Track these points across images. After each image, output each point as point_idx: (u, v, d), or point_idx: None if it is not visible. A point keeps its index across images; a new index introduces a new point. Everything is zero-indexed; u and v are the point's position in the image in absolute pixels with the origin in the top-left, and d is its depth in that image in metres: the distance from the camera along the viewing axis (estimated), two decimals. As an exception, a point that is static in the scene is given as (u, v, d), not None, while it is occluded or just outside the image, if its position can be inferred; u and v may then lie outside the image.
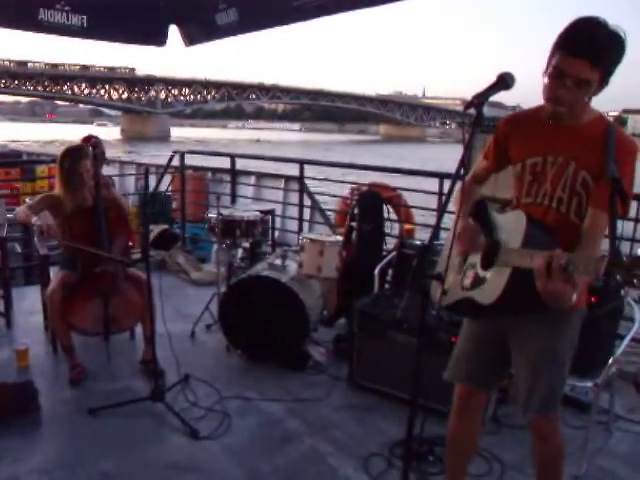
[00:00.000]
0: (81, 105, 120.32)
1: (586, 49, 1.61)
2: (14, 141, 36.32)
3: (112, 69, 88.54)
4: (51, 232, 3.24)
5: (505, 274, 1.66)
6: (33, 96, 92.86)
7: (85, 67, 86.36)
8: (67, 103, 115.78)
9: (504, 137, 1.95)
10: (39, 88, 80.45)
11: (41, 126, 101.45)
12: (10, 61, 77.54)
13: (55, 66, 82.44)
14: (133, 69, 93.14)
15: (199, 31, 3.95)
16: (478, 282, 1.80)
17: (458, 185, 1.75)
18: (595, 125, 1.77)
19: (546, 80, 1.71)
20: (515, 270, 1.63)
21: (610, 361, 2.65)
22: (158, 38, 4.01)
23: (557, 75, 1.67)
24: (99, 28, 3.85)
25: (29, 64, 79.15)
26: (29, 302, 4.45)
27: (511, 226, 1.74)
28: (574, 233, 1.77)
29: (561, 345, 1.89)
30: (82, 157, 3.40)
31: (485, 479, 2.52)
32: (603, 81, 1.68)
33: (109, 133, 65.76)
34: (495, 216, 1.85)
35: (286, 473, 2.61)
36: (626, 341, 2.72)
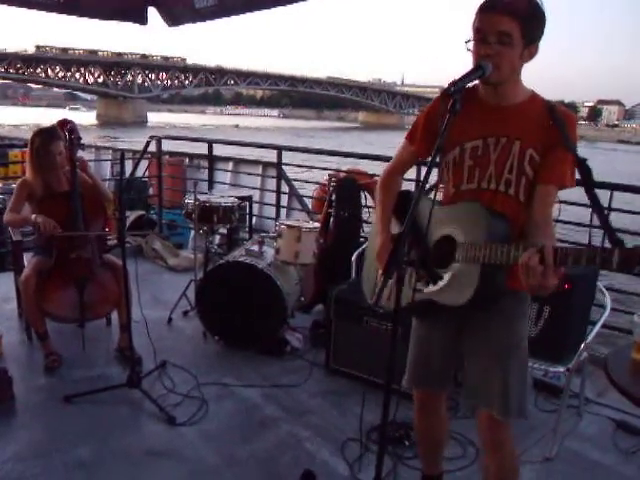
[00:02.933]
0: (55, 89, 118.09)
1: (499, 2, 1.61)
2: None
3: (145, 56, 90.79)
4: (55, 230, 3.20)
5: (475, 272, 1.60)
6: (5, 78, 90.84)
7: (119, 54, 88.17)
8: (41, 86, 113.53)
9: (439, 119, 1.72)
10: (11, 70, 78.62)
11: (13, 110, 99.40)
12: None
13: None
14: (184, 59, 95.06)
15: (179, 13, 3.86)
16: (435, 281, 1.74)
17: (434, 172, 1.71)
18: (533, 102, 1.74)
19: (471, 46, 1.67)
20: (485, 267, 1.58)
21: (582, 346, 2.71)
22: (139, 16, 3.91)
23: (479, 37, 1.64)
24: (77, 3, 3.73)
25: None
26: (2, 289, 4.37)
27: (466, 218, 1.68)
28: (523, 214, 1.73)
29: (522, 330, 1.85)
30: (54, 138, 3.32)
31: (459, 462, 2.56)
32: (526, 37, 1.62)
33: (83, 118, 64.49)
34: (435, 209, 1.72)
35: (263, 458, 2.62)
36: (597, 327, 2.78)
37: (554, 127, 1.66)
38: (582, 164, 1.64)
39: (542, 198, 1.70)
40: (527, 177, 1.72)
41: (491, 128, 1.74)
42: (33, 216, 3.22)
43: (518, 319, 1.84)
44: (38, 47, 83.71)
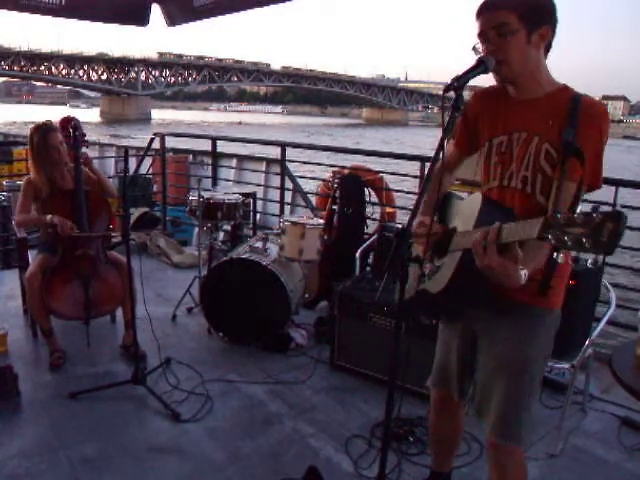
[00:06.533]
0: (59, 86, 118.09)
1: (486, 3, 1.61)
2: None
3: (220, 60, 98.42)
4: (72, 230, 3.22)
5: (456, 258, 1.56)
6: (8, 76, 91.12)
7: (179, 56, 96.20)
8: (44, 84, 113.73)
9: (474, 116, 1.82)
10: (15, 68, 78.76)
11: (16, 107, 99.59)
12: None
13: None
14: (268, 64, 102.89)
15: (178, 12, 3.86)
16: (433, 272, 1.72)
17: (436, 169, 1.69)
18: (558, 95, 1.65)
19: (481, 50, 1.64)
20: (465, 253, 1.52)
21: (587, 343, 2.70)
22: (140, 17, 3.90)
23: (482, 39, 1.62)
24: (78, 7, 3.74)
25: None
26: (7, 286, 4.40)
27: (468, 210, 1.65)
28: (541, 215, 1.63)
29: (532, 351, 1.74)
30: (51, 130, 3.32)
31: (464, 458, 2.56)
32: (525, 20, 1.57)
33: (86, 115, 64.37)
34: (456, 203, 1.78)
35: (268, 455, 2.62)
36: (602, 323, 2.77)
37: (568, 122, 1.57)
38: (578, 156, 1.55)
39: (554, 193, 1.59)
40: (544, 174, 1.63)
41: (515, 123, 1.70)
42: (48, 217, 3.23)
43: (528, 340, 1.74)
44: (160, 54, 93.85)
